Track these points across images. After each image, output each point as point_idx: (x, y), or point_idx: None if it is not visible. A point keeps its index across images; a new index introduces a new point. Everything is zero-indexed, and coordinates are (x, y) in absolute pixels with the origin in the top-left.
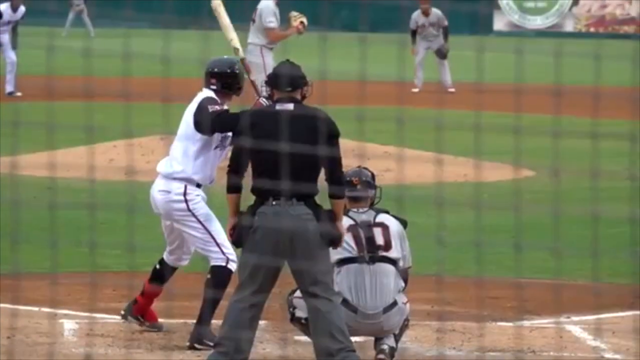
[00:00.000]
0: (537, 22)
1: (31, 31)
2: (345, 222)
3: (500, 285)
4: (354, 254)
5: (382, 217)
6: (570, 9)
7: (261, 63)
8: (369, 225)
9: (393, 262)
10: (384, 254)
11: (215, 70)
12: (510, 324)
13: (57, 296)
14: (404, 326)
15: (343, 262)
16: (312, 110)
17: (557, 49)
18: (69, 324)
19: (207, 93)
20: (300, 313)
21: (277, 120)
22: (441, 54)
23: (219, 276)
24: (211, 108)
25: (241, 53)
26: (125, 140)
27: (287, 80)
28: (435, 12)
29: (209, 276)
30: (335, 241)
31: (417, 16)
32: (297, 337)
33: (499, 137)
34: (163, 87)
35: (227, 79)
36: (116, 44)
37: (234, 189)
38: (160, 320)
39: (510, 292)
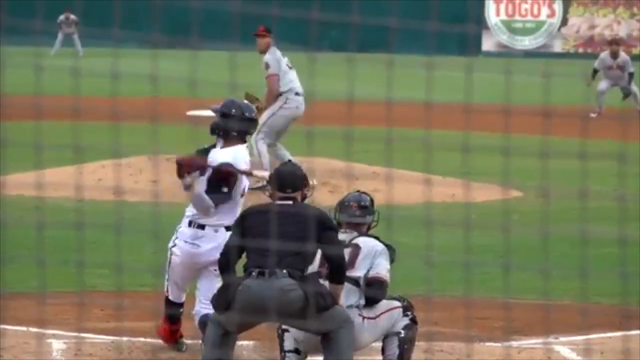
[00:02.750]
0: (526, 42)
1: (17, 51)
2: None
3: (489, 305)
4: (313, 270)
5: (360, 240)
6: (559, 30)
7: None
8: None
9: (353, 280)
10: (348, 273)
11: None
12: (499, 344)
13: (45, 316)
14: (402, 340)
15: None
16: (309, 207)
17: (546, 70)
18: (57, 344)
19: (243, 150)
20: (288, 345)
21: (272, 212)
22: (624, 93)
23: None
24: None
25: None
26: (114, 160)
27: (287, 181)
28: (624, 56)
29: (197, 323)
30: (323, 307)
31: (605, 57)
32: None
33: (487, 158)
34: (151, 107)
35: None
36: (104, 64)
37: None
38: (147, 339)
39: (498, 313)
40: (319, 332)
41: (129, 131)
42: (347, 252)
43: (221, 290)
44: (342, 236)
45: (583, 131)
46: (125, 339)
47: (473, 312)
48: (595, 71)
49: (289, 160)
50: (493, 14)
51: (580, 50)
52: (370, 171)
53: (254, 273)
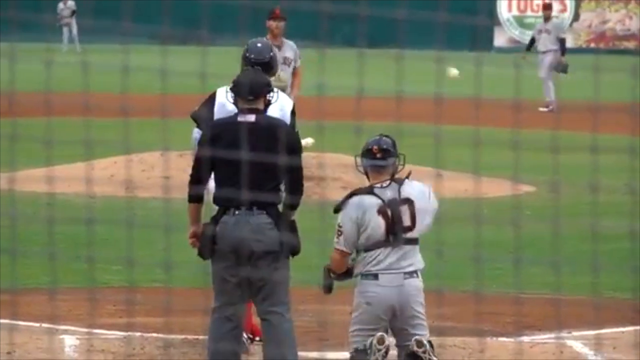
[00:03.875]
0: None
1: (26, 47)
2: (374, 201)
3: (500, 300)
4: (381, 239)
5: (406, 191)
6: (570, 25)
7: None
8: (396, 203)
9: (415, 240)
10: (409, 235)
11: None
12: (511, 339)
13: (57, 312)
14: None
15: (369, 247)
16: (273, 120)
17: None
18: (70, 340)
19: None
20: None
21: (237, 131)
22: (561, 68)
23: None
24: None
25: None
26: (125, 155)
27: (249, 87)
28: (555, 21)
29: None
30: (295, 252)
31: (539, 23)
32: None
33: (498, 153)
34: (161, 103)
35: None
36: (113, 59)
37: (195, 198)
38: (159, 335)
39: (510, 308)
40: (269, 282)
41: (140, 127)
42: (405, 210)
43: (202, 236)
44: (387, 193)
45: (593, 125)
46: (137, 334)
47: (485, 307)
48: (532, 41)
49: (252, 66)
50: (505, 10)
51: (592, 45)
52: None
53: (229, 211)
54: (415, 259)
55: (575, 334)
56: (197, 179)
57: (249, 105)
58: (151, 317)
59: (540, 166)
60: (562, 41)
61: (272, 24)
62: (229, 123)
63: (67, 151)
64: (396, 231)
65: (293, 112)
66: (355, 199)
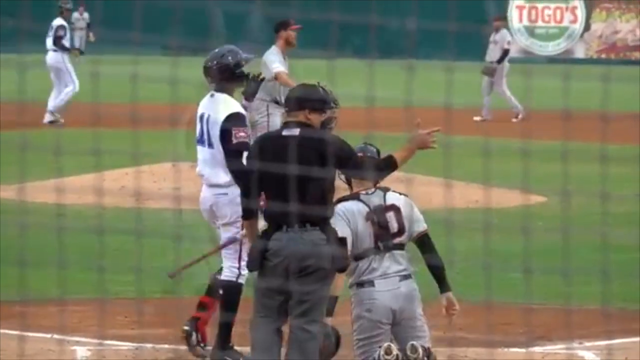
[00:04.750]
0: (548, 48)
1: (34, 58)
2: (361, 208)
3: (511, 310)
4: (370, 246)
5: (391, 198)
6: (581, 35)
7: (265, 122)
8: (382, 210)
9: (403, 246)
10: (397, 240)
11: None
12: (522, 350)
13: (68, 323)
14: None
15: (360, 255)
16: (318, 133)
17: (568, 74)
18: (81, 351)
19: (231, 104)
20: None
21: (282, 146)
22: (487, 71)
23: (230, 294)
24: (236, 134)
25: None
26: (136, 167)
27: (295, 100)
28: (503, 32)
29: (221, 292)
30: (343, 269)
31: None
32: None
33: (509, 163)
34: (171, 113)
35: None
36: (123, 70)
37: (248, 212)
38: (170, 346)
39: (521, 318)
40: (312, 298)
41: (150, 138)
42: (392, 217)
43: (252, 250)
44: (374, 200)
45: (603, 135)
46: (148, 345)
47: (496, 318)
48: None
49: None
50: (516, 20)
51: (603, 55)
52: (392, 177)
53: (282, 228)
54: (407, 263)
55: (586, 344)
56: (248, 193)
57: (294, 119)
58: (162, 329)
59: (550, 176)
60: (505, 51)
61: (292, 34)
62: (274, 137)
63: (77, 162)
64: (384, 238)
65: (230, 117)
66: (341, 205)
